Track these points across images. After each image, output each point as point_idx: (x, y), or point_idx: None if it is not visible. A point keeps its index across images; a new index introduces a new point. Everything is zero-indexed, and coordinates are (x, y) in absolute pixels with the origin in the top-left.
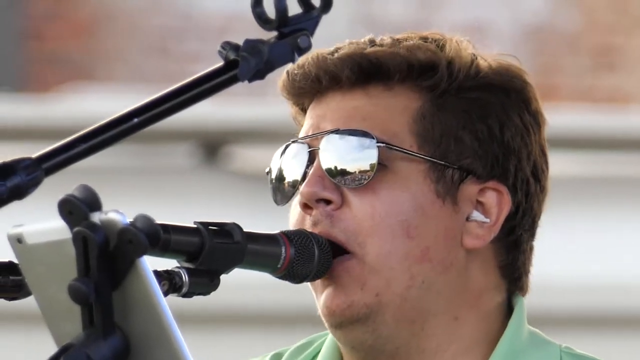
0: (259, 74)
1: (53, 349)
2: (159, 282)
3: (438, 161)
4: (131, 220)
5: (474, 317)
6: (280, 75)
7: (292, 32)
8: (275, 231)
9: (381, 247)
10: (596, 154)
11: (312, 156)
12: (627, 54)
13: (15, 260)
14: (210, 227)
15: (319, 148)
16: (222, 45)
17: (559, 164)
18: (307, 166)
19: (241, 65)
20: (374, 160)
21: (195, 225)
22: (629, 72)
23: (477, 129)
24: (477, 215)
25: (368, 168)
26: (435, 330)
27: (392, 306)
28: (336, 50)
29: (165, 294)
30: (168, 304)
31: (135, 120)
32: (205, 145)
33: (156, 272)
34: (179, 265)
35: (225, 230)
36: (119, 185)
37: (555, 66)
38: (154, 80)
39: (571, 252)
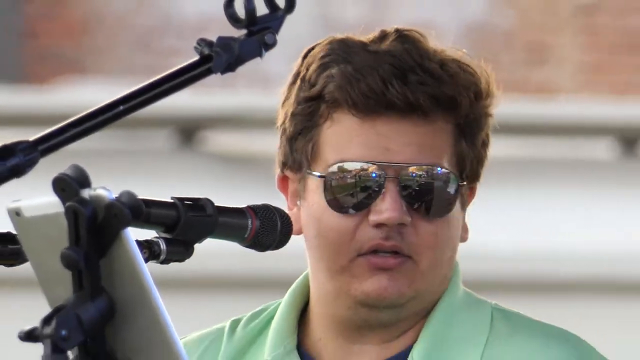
0: (230, 67)
1: (47, 310)
2: (141, 251)
3: (466, 185)
4: (116, 196)
5: (445, 277)
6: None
7: (259, 30)
8: (243, 206)
9: (434, 259)
10: (528, 139)
11: (386, 179)
12: (555, 50)
13: (14, 231)
14: (185, 202)
15: (400, 174)
16: (197, 41)
17: (497, 148)
18: (378, 186)
19: (215, 59)
20: (454, 194)
21: (172, 201)
22: (557, 66)
23: (474, 145)
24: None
25: (451, 200)
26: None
27: (423, 293)
28: (403, 75)
29: (146, 260)
30: (148, 270)
31: (121, 107)
32: (182, 130)
33: (138, 242)
34: (157, 235)
35: (199, 205)
36: (105, 166)
37: (493, 61)
38: (138, 73)
39: (506, 225)
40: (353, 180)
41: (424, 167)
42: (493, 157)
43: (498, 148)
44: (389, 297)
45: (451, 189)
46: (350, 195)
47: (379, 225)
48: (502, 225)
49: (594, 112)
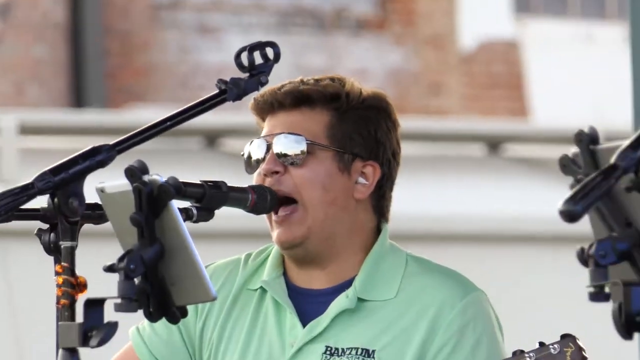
0: (238, 97)
1: (121, 253)
2: (181, 214)
3: (339, 150)
4: (165, 179)
5: (359, 235)
6: (250, 99)
7: (257, 74)
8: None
9: (310, 197)
10: (432, 143)
11: (269, 147)
12: (448, 86)
13: (99, 202)
14: (208, 183)
15: (272, 142)
16: (217, 81)
17: (413, 149)
18: (266, 153)
19: (229, 92)
20: (304, 150)
21: (200, 182)
22: (445, 98)
23: (362, 131)
24: (361, 180)
25: (300, 154)
26: (339, 243)
27: (315, 233)
28: (282, 86)
29: (184, 220)
30: (186, 226)
31: (168, 123)
32: (207, 137)
33: (179, 209)
34: (191, 204)
35: (217, 185)
36: (156, 162)
37: (406, 93)
38: (180, 101)
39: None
40: (248, 151)
41: (288, 136)
42: (412, 154)
43: (414, 149)
44: (286, 242)
45: (301, 148)
46: (250, 161)
47: (264, 176)
48: (421, 198)
49: (471, 126)
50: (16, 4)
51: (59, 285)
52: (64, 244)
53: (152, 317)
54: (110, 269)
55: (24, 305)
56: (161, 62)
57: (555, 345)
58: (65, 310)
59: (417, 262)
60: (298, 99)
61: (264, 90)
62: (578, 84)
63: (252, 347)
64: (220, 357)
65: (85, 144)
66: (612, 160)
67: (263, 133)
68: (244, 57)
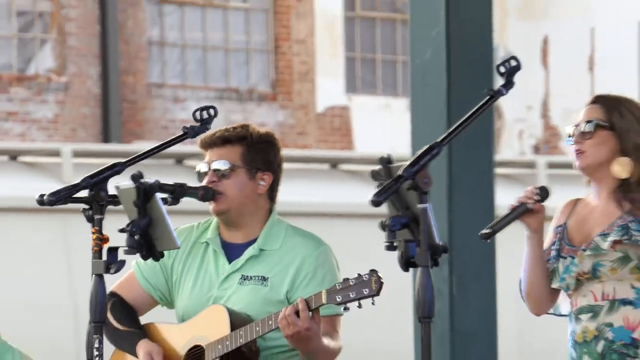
0: (194, 136)
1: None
2: (162, 201)
3: (248, 168)
4: (153, 181)
5: (260, 213)
6: (199, 138)
7: (204, 124)
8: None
9: (232, 194)
10: (297, 164)
11: (209, 167)
12: (309, 132)
13: (116, 194)
14: (177, 184)
15: (211, 165)
16: (182, 127)
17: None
18: (208, 170)
19: (189, 133)
20: (228, 168)
21: (172, 183)
22: (308, 138)
23: (261, 156)
24: (261, 183)
25: (226, 171)
26: (248, 217)
27: (233, 210)
28: (215, 133)
29: (164, 204)
30: (165, 208)
31: (155, 150)
32: (176, 159)
33: (161, 198)
34: (167, 195)
35: (182, 185)
36: (149, 172)
37: (286, 135)
38: (163, 139)
39: (291, 192)
40: (198, 170)
41: (220, 161)
42: (289, 168)
43: (290, 166)
44: (216, 211)
45: (227, 167)
46: (199, 175)
47: (207, 184)
48: (294, 192)
49: (318, 153)
50: (72, 82)
51: (93, 240)
52: (96, 216)
53: (144, 257)
54: (122, 230)
55: (78, 258)
56: (152, 117)
57: (366, 275)
58: (96, 253)
59: (292, 228)
60: (223, 140)
61: (206, 133)
62: (381, 132)
63: (200, 276)
64: (182, 281)
65: (109, 162)
66: (399, 172)
67: (205, 159)
68: (198, 114)
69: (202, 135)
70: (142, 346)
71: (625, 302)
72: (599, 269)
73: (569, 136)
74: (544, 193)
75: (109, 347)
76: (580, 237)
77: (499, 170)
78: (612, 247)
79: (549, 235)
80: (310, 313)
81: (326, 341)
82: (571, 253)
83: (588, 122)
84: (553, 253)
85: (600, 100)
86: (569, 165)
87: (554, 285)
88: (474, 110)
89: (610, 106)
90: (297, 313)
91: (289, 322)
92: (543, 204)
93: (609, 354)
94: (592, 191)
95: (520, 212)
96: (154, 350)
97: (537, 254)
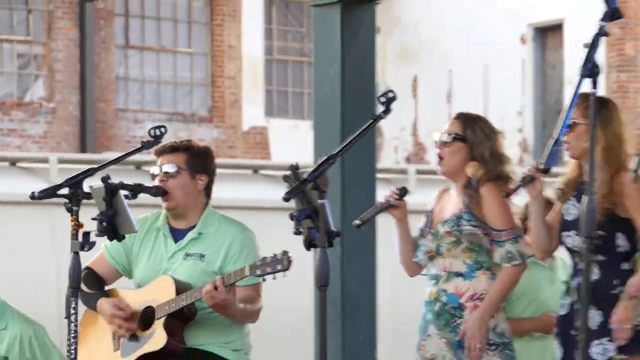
0: (150, 147)
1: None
2: (125, 197)
3: (190, 171)
4: (118, 182)
5: (199, 205)
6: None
7: (157, 139)
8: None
9: (177, 194)
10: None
11: (161, 170)
12: (237, 147)
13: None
14: (136, 184)
15: (162, 168)
16: (141, 142)
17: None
18: (159, 172)
19: (146, 145)
20: (175, 171)
21: (133, 183)
22: (237, 152)
23: (200, 161)
24: (200, 182)
25: (174, 173)
26: (190, 209)
27: (179, 206)
28: (165, 144)
29: (126, 198)
30: (126, 202)
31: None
32: (136, 165)
33: (125, 195)
34: (128, 192)
35: (140, 184)
36: (116, 175)
37: (219, 149)
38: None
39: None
40: (151, 172)
41: (168, 165)
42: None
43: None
44: (167, 208)
45: (174, 169)
46: (153, 177)
47: (159, 183)
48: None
49: (239, 161)
50: (58, 108)
51: (72, 226)
52: (74, 208)
53: (110, 239)
54: (94, 219)
55: (61, 240)
56: (118, 134)
57: (279, 255)
58: (74, 236)
59: (223, 217)
60: (172, 149)
61: (159, 145)
62: (291, 146)
63: (153, 253)
64: (139, 257)
65: (85, 167)
66: (305, 176)
67: (158, 164)
68: (152, 132)
69: (157, 146)
70: (104, 300)
71: (457, 274)
72: (440, 249)
73: (435, 142)
74: (402, 192)
75: (82, 309)
76: (437, 221)
77: (379, 175)
78: (446, 233)
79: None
80: (229, 286)
81: (242, 306)
82: (426, 234)
83: (448, 134)
84: (418, 233)
85: (461, 117)
86: (432, 172)
87: (414, 260)
88: (360, 130)
89: (466, 123)
90: (216, 288)
91: (210, 296)
92: (403, 200)
93: (443, 314)
94: (454, 186)
95: (385, 207)
96: (114, 300)
97: (403, 235)
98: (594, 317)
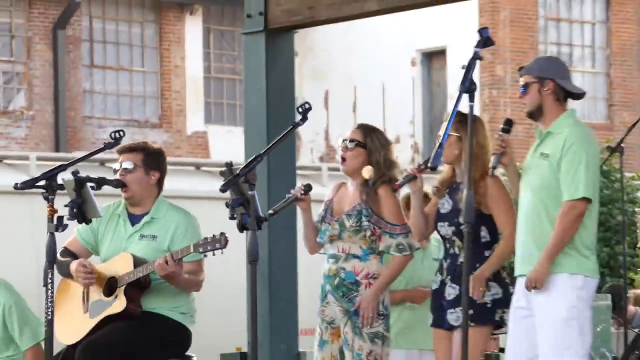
0: (112, 148)
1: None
2: (91, 188)
3: (146, 167)
4: (85, 176)
5: (152, 196)
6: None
7: (116, 141)
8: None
9: (134, 187)
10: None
11: (121, 166)
12: (182, 148)
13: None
14: (101, 177)
15: (122, 164)
16: (104, 144)
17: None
18: (120, 168)
19: (109, 146)
20: (132, 167)
21: (98, 177)
22: (182, 152)
23: (154, 160)
24: (153, 177)
25: (131, 169)
26: (145, 199)
27: (135, 196)
28: (125, 145)
29: (92, 189)
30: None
31: (87, 157)
32: (100, 162)
33: (91, 186)
34: (93, 184)
35: (104, 178)
36: (84, 170)
37: (168, 149)
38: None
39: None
40: (114, 167)
41: (127, 162)
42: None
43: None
44: (125, 197)
45: (132, 166)
46: (115, 172)
47: (120, 176)
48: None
49: (185, 159)
50: (36, 115)
51: (48, 212)
52: (50, 197)
53: (80, 222)
54: (66, 205)
55: (40, 224)
56: (85, 137)
57: (218, 235)
58: (50, 220)
59: (171, 205)
60: (131, 149)
61: (120, 146)
62: (226, 148)
63: (115, 235)
64: (104, 238)
65: (58, 164)
66: (238, 172)
67: (118, 161)
68: (113, 135)
69: (118, 147)
70: (73, 262)
71: (354, 256)
72: (342, 235)
73: (339, 146)
74: (307, 188)
75: (57, 280)
76: (337, 210)
77: (298, 172)
78: (350, 226)
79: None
80: (177, 261)
81: (188, 277)
82: (329, 221)
83: (351, 140)
84: (319, 218)
85: (361, 127)
86: (339, 169)
87: (318, 240)
88: (282, 134)
89: (366, 132)
90: (166, 262)
91: (161, 269)
92: (308, 194)
93: (341, 287)
94: (350, 182)
95: (292, 199)
96: (80, 260)
97: (306, 222)
98: (453, 291)
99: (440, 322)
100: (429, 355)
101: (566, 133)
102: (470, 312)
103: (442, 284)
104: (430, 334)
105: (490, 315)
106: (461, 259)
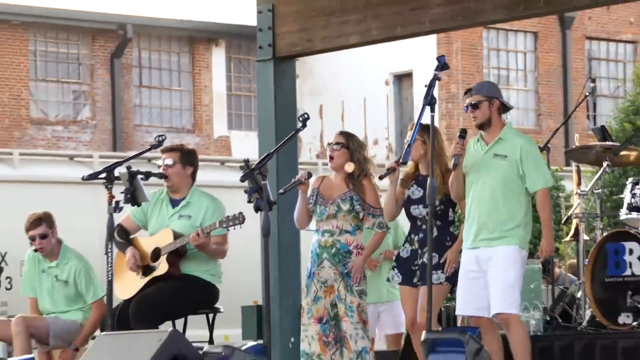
0: (157, 148)
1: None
2: (141, 179)
3: (182, 163)
4: (136, 169)
5: (187, 185)
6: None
7: (160, 144)
8: None
9: (174, 178)
10: None
11: (164, 162)
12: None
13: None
14: (147, 171)
15: (165, 160)
16: (150, 144)
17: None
18: (164, 164)
19: (152, 147)
20: (172, 163)
21: (145, 171)
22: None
23: (189, 159)
24: (188, 171)
25: (172, 164)
26: (182, 187)
27: (174, 185)
28: (168, 145)
29: (141, 180)
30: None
31: (137, 155)
32: (148, 159)
33: (140, 178)
34: (141, 176)
35: (148, 171)
36: (134, 166)
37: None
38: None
39: None
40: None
41: (168, 159)
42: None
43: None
44: (167, 186)
45: (172, 162)
46: (160, 167)
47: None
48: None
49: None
50: (97, 124)
51: (108, 197)
52: (109, 186)
53: (132, 205)
54: (122, 192)
55: (102, 208)
56: (136, 140)
57: (237, 214)
58: (109, 204)
59: (203, 192)
60: (170, 149)
61: (163, 147)
62: (245, 148)
63: (159, 217)
64: (151, 217)
65: (115, 161)
66: (253, 167)
67: (162, 158)
68: (157, 139)
69: (161, 147)
70: (129, 249)
71: (346, 231)
72: (337, 215)
73: (327, 147)
74: (309, 175)
75: (115, 251)
76: (327, 196)
77: (300, 166)
78: (345, 209)
79: (309, 190)
80: (206, 234)
81: (215, 247)
82: (324, 203)
83: (336, 143)
84: (312, 201)
85: (343, 133)
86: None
87: (316, 218)
88: (287, 138)
89: (348, 137)
90: (198, 235)
91: (195, 240)
92: (308, 180)
93: (337, 255)
94: (334, 175)
95: (297, 182)
96: (134, 251)
97: (302, 202)
98: (435, 259)
99: (409, 281)
100: (377, 306)
101: (520, 141)
102: (446, 275)
103: (414, 252)
104: (377, 291)
105: (455, 275)
106: (435, 234)
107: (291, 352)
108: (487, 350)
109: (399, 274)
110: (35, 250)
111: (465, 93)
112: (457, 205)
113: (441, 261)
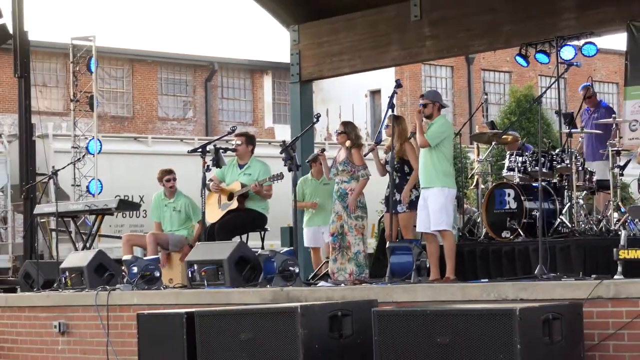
0: (230, 134)
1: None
2: (222, 152)
3: (247, 143)
4: (218, 147)
5: (249, 155)
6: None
7: (233, 131)
8: None
9: (242, 151)
10: None
11: (235, 142)
12: None
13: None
14: (225, 147)
15: (236, 141)
16: (228, 132)
17: None
18: (235, 144)
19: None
20: (241, 143)
21: (224, 147)
22: None
23: (251, 141)
24: (250, 147)
25: (241, 144)
26: (246, 157)
27: (241, 156)
28: (237, 132)
29: (223, 153)
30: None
31: (221, 137)
32: (226, 141)
33: (222, 151)
34: (223, 150)
35: (227, 147)
36: (219, 144)
37: None
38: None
39: None
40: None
41: (238, 140)
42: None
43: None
44: (237, 155)
45: (240, 142)
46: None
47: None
48: None
49: None
50: (197, 122)
51: (203, 164)
52: (203, 156)
53: (217, 167)
54: (211, 159)
55: (200, 171)
56: (219, 129)
57: (279, 173)
58: (204, 166)
59: (259, 160)
60: (240, 134)
61: (235, 133)
62: (284, 135)
63: (232, 174)
64: (227, 174)
65: (206, 141)
66: (287, 145)
67: (234, 140)
68: (231, 128)
69: (234, 133)
70: (213, 181)
71: (345, 181)
72: (340, 172)
73: (335, 132)
74: (321, 151)
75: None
76: (337, 161)
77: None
78: (341, 168)
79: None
80: (260, 185)
81: (266, 192)
82: (334, 166)
83: (340, 132)
84: (331, 164)
85: (343, 123)
86: (335, 143)
87: (330, 175)
88: (307, 128)
89: (346, 125)
90: (255, 185)
91: (254, 187)
92: (324, 152)
93: (341, 196)
94: (340, 148)
95: (317, 155)
96: (216, 179)
97: (324, 164)
98: (398, 196)
99: (388, 209)
100: (322, 228)
101: (439, 122)
102: (406, 205)
103: (392, 193)
104: (324, 218)
105: (415, 205)
106: (398, 181)
107: (309, 255)
108: (427, 252)
109: (384, 205)
110: (165, 191)
111: (421, 96)
112: (409, 163)
113: (401, 197)
